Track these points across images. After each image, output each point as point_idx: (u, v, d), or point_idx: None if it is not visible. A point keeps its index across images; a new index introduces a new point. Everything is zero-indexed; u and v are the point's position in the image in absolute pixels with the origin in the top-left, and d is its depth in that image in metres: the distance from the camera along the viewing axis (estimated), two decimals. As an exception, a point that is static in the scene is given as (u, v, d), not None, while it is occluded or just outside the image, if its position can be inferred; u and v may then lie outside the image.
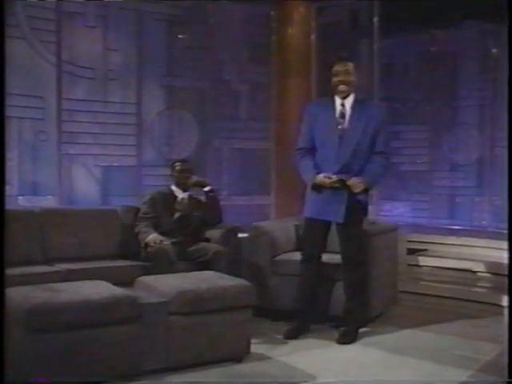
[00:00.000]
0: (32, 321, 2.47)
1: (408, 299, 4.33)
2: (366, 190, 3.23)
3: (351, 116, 3.24)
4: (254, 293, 3.00)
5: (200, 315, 2.84)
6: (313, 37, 5.63)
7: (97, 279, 3.18)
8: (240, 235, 4.02)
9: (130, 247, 3.90)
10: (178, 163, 3.97)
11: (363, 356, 3.12)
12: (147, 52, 5.26)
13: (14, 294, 2.62)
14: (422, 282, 4.73)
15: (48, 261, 3.59)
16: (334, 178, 3.16)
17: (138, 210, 3.96)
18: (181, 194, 3.95)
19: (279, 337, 3.35)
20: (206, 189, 3.89)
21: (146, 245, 3.59)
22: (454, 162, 5.83)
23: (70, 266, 3.48)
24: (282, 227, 4.00)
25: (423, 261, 4.91)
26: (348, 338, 3.28)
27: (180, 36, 5.47)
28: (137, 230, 3.75)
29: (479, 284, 4.56)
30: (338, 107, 3.27)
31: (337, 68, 3.27)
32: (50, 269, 3.42)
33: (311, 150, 3.31)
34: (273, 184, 5.75)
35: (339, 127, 3.25)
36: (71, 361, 2.52)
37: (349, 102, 3.27)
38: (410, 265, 4.88)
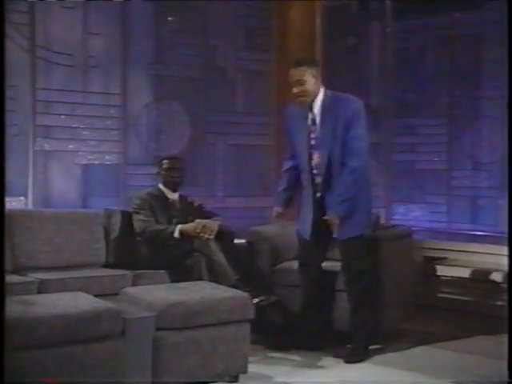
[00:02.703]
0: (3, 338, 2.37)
1: (424, 313, 4.33)
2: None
3: (321, 120, 3.21)
4: (252, 305, 3.00)
5: (191, 330, 2.84)
6: (318, 20, 5.63)
7: (75, 291, 3.20)
8: (237, 241, 4.02)
9: (112, 255, 3.92)
10: (166, 160, 3.98)
11: (373, 376, 3.12)
12: (133, 37, 5.24)
13: None
14: (439, 295, 4.74)
15: (19, 270, 3.59)
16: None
17: (122, 214, 3.97)
18: (170, 195, 3.96)
19: (279, 355, 3.34)
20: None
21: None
22: (476, 159, 5.81)
23: (43, 275, 3.48)
24: (284, 232, 4.00)
25: (441, 270, 4.91)
26: (355, 357, 3.28)
27: (169, 18, 5.46)
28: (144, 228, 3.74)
29: (503, 297, 4.55)
30: (309, 113, 3.25)
31: (290, 75, 3.24)
32: (22, 279, 3.43)
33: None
34: (273, 184, 5.74)
35: (312, 136, 3.24)
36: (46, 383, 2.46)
37: (317, 104, 3.22)
38: (426, 275, 4.87)
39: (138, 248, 3.81)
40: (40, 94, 4.86)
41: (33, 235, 3.74)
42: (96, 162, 5.13)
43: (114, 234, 3.96)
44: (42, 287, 3.36)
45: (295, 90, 3.21)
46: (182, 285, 3.15)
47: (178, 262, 3.61)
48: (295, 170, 3.40)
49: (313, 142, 3.24)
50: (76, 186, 5.09)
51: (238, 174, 5.81)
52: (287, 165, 3.46)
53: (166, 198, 3.93)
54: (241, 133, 5.77)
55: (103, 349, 2.60)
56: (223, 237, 3.69)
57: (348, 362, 3.26)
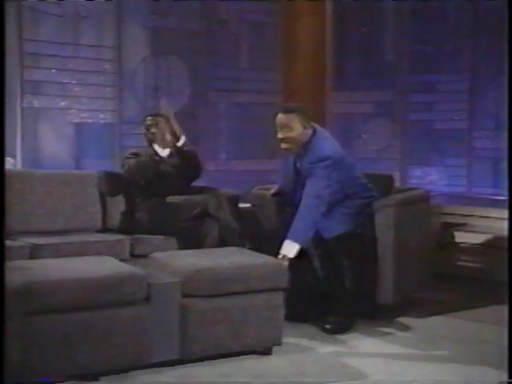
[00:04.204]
0: (19, 301, 2.48)
1: (442, 282, 4.33)
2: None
3: (301, 165, 3.38)
4: (286, 273, 2.98)
5: (220, 298, 2.83)
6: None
7: (68, 256, 3.20)
8: (241, 205, 4.01)
9: (109, 219, 3.91)
10: (147, 117, 3.98)
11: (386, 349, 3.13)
12: (127, -16, 5.19)
13: (9, 269, 2.62)
14: (458, 263, 4.73)
15: (9, 234, 3.55)
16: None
17: (118, 176, 3.96)
18: (162, 152, 3.97)
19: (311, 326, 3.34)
20: (180, 143, 3.88)
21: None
22: (499, 118, 5.75)
23: (36, 240, 3.47)
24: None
25: (460, 237, 4.89)
26: (339, 328, 3.31)
27: (167, -35, 5.39)
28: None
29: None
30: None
31: (278, 120, 3.34)
32: (12, 243, 3.41)
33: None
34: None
35: (299, 178, 3.42)
36: (66, 350, 2.53)
37: (301, 150, 3.34)
38: (444, 242, 4.87)
39: (140, 212, 3.81)
40: (27, 46, 4.81)
41: (23, 198, 3.72)
42: (89, 121, 5.12)
43: (110, 197, 3.95)
44: (34, 252, 3.35)
45: (280, 135, 3.34)
46: (211, 250, 3.20)
47: (188, 226, 3.61)
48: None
49: (298, 182, 3.43)
50: (68, 146, 5.09)
51: (242, 135, 5.79)
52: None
53: (156, 155, 3.94)
54: (245, 90, 5.74)
55: (127, 315, 2.63)
56: (228, 201, 3.71)
57: (332, 333, 3.28)
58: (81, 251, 3.38)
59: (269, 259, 3.03)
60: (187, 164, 3.94)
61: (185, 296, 2.77)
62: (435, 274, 4.25)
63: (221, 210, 3.59)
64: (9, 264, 2.64)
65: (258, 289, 2.90)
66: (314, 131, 3.39)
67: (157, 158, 3.91)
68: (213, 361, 2.82)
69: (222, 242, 3.52)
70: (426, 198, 4.13)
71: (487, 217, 5.01)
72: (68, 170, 4.59)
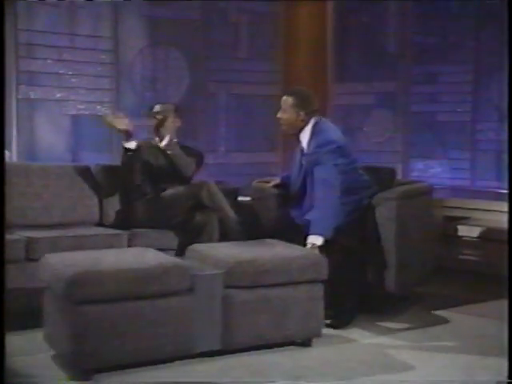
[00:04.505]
0: (74, 291, 2.57)
1: (444, 276, 4.34)
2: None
3: (307, 151, 3.48)
4: (326, 265, 3.04)
5: (262, 289, 2.91)
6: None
7: (66, 250, 3.21)
8: (240, 198, 4.01)
9: (105, 213, 3.91)
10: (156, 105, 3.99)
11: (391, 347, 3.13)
12: (125, -28, 5.18)
13: (52, 259, 2.81)
14: (461, 256, 4.73)
15: (6, 227, 3.56)
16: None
17: (116, 169, 3.96)
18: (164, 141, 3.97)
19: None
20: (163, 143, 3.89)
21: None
22: (503, 110, 5.74)
23: (32, 233, 3.47)
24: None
25: (463, 231, 4.89)
26: (333, 323, 3.32)
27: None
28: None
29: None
30: (299, 144, 3.56)
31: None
32: (8, 237, 3.40)
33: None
34: (279, 138, 5.71)
35: (303, 166, 3.54)
36: (115, 339, 2.62)
37: (305, 135, 3.48)
38: (447, 235, 4.87)
39: (138, 206, 3.80)
40: (23, 36, 4.80)
41: (19, 191, 3.71)
42: (86, 113, 5.12)
43: (108, 190, 3.94)
44: (30, 246, 3.34)
45: (278, 114, 3.55)
46: (249, 242, 3.25)
47: (187, 219, 3.62)
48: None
49: (301, 175, 3.55)
50: (65, 138, 5.08)
51: (242, 127, 5.78)
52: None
53: (155, 147, 3.94)
54: (245, 81, 5.72)
55: (171, 305, 2.72)
56: (227, 194, 3.71)
57: (332, 327, 3.31)
58: (78, 245, 3.38)
59: (308, 251, 3.12)
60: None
61: (227, 287, 2.85)
62: (437, 267, 4.26)
63: (214, 198, 3.59)
64: (55, 255, 2.87)
65: (299, 280, 2.97)
66: (320, 119, 3.51)
67: (156, 148, 3.90)
68: (254, 351, 2.90)
69: (222, 232, 3.53)
70: (428, 191, 4.13)
71: (491, 210, 5.01)
72: (65, 163, 4.55)
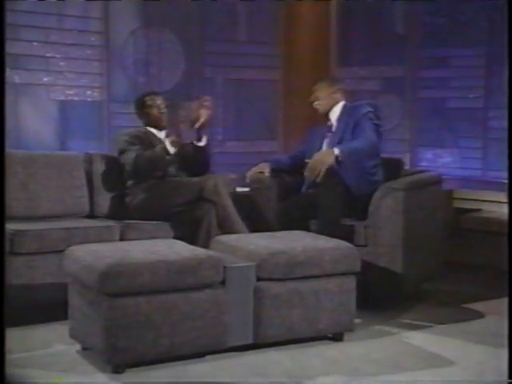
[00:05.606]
0: (107, 283, 2.60)
1: (454, 271, 4.34)
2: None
3: (336, 127, 3.90)
4: (359, 257, 3.07)
5: (294, 281, 2.94)
6: None
7: (54, 243, 3.24)
8: (239, 189, 4.01)
9: (96, 203, 3.91)
10: (148, 97, 3.95)
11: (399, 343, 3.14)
12: (115, -50, 5.16)
13: (77, 252, 2.85)
14: (472, 250, 4.73)
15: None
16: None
17: (107, 158, 3.95)
18: (159, 135, 3.95)
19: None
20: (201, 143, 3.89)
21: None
22: (517, 96, 5.75)
23: (17, 226, 3.45)
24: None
25: (475, 223, 4.91)
26: None
27: None
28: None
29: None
30: (328, 122, 3.97)
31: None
32: (-9, 230, 3.41)
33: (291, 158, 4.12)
34: (280, 126, 5.71)
35: (326, 141, 3.90)
36: (149, 332, 2.66)
37: (334, 114, 3.93)
38: (457, 228, 4.87)
39: (132, 196, 3.79)
40: (7, 17, 4.74)
41: (4, 181, 3.71)
42: (75, 99, 5.11)
43: (99, 180, 3.93)
44: (15, 239, 3.32)
45: (311, 97, 3.98)
46: (278, 234, 3.28)
47: (183, 211, 3.62)
48: (293, 161, 4.07)
49: (324, 146, 3.86)
50: (52, 125, 5.09)
51: (240, 114, 5.78)
52: (291, 154, 4.20)
53: (155, 137, 3.91)
54: (243, 66, 5.72)
55: (204, 298, 2.76)
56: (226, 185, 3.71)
57: None
58: (67, 238, 3.36)
59: (341, 243, 3.11)
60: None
61: (259, 279, 2.89)
62: (447, 262, 4.27)
63: (217, 194, 3.59)
64: (80, 247, 2.92)
65: (331, 272, 3.01)
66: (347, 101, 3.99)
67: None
68: (285, 346, 2.93)
69: (219, 227, 3.53)
70: (437, 181, 4.12)
71: (504, 202, 5.00)
72: (52, 151, 4.54)
